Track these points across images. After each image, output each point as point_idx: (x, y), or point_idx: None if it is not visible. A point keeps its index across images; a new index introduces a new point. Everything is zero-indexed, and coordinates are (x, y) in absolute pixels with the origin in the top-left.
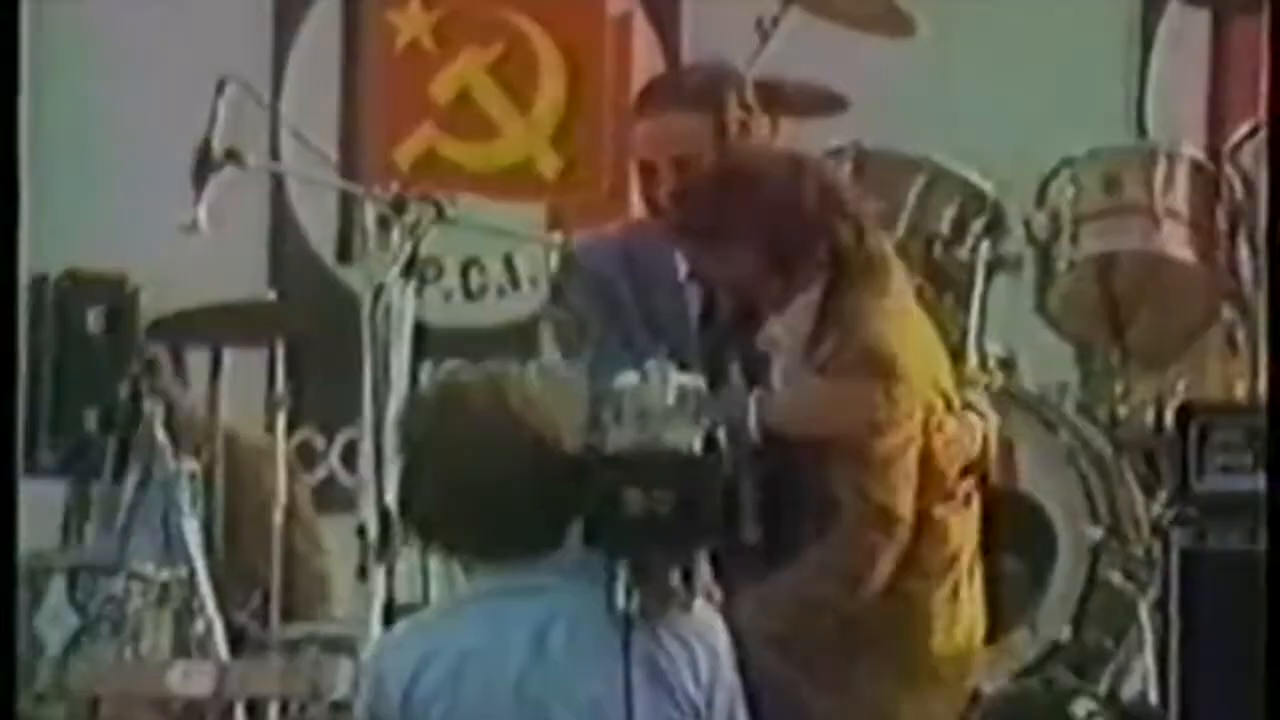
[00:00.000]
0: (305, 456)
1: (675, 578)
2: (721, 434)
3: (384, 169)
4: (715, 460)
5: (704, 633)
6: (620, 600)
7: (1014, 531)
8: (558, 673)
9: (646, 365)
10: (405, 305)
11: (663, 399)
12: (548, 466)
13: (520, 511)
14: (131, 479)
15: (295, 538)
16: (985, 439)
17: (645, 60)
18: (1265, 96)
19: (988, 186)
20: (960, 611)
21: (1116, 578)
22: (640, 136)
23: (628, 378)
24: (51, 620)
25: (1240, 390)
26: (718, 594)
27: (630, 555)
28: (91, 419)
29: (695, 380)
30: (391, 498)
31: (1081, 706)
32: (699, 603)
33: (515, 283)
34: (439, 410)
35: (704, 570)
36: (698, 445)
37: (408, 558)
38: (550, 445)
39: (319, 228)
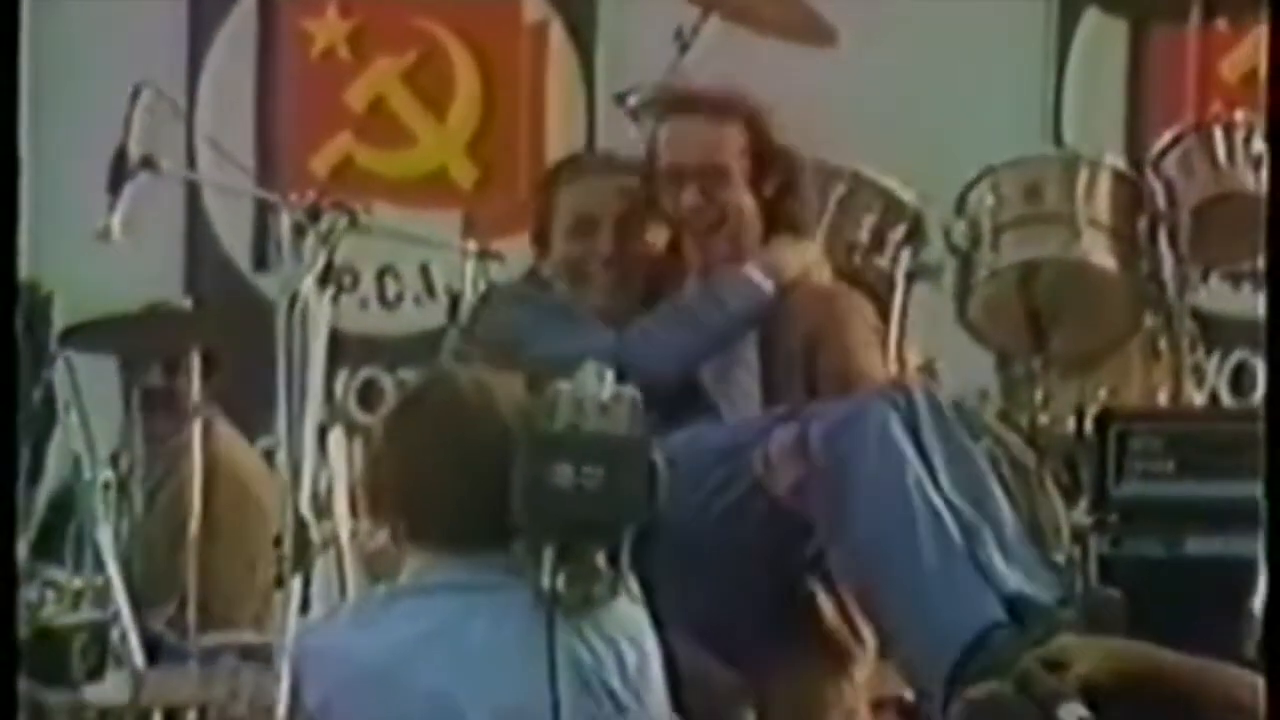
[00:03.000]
0: None
1: (601, 558)
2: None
3: (300, 177)
4: (645, 442)
5: (632, 632)
6: (546, 578)
7: None
8: (477, 669)
9: (584, 366)
10: (320, 313)
11: (598, 394)
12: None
13: (488, 501)
14: (46, 486)
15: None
16: None
17: (561, 69)
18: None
19: (908, 195)
20: None
21: None
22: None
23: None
24: None
25: (1163, 398)
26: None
27: (558, 529)
28: None
29: (631, 390)
30: (306, 506)
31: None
32: (625, 601)
33: (431, 290)
34: (432, 402)
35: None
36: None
37: (324, 566)
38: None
39: (234, 235)
